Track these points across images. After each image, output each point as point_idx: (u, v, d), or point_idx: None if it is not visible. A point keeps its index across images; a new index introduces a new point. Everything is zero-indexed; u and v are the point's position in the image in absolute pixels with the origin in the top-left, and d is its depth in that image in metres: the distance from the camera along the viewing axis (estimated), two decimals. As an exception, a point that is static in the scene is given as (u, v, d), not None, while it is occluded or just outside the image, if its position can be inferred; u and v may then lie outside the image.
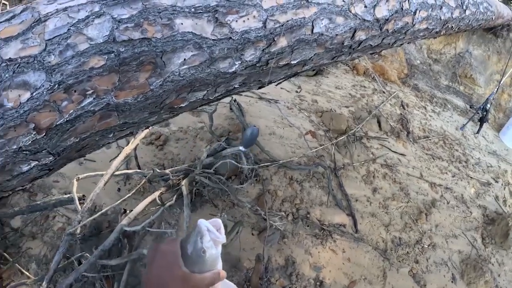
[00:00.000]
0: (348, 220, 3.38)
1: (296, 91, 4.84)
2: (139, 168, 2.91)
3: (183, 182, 2.56)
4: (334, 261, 3.03)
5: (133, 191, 2.62)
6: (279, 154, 3.69)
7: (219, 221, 0.91)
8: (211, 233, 0.87)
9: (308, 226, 3.19)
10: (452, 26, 2.65)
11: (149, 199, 2.43)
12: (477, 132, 5.30)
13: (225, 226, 2.03)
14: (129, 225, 2.24)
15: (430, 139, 5.04)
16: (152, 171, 2.61)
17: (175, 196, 2.58)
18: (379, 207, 3.64)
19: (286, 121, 4.18)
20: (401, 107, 5.47)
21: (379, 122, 4.79)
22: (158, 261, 0.86)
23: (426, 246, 3.49)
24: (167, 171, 2.66)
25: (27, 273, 2.37)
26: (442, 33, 2.69)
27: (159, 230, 2.62)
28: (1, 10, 4.26)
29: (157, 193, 2.48)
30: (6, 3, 4.59)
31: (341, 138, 4.13)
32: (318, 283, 2.86)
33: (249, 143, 2.06)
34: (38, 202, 2.59)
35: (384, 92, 5.62)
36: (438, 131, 5.34)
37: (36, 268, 2.55)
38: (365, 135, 4.42)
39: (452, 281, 3.32)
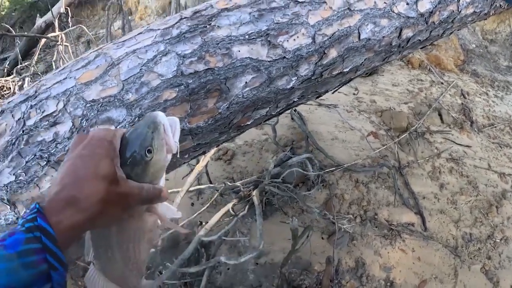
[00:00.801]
0: (417, 218, 3.35)
1: (354, 94, 4.83)
2: (211, 183, 3.06)
3: (254, 193, 2.67)
4: (404, 260, 3.01)
5: (207, 205, 2.76)
6: (343, 158, 3.71)
7: (177, 121, 0.71)
8: (166, 134, 0.68)
9: (376, 227, 3.19)
10: (501, 5, 2.56)
11: (223, 210, 2.56)
12: (544, 113, 5.02)
13: (295, 230, 2.12)
14: (206, 236, 2.39)
15: (495, 127, 4.83)
16: (223, 185, 2.75)
17: (247, 206, 2.70)
18: (448, 203, 3.56)
19: (347, 124, 4.19)
20: (462, 96, 5.28)
21: (440, 115, 4.68)
22: (85, 148, 0.62)
23: (498, 241, 3.36)
24: (237, 183, 2.79)
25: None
26: (491, 14, 2.59)
27: (234, 239, 2.75)
28: (61, 50, 4.61)
29: (230, 205, 2.62)
30: (68, 44, 4.97)
31: (403, 135, 4.07)
32: (388, 284, 2.85)
33: None
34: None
35: (442, 83, 5.46)
36: (503, 117, 5.09)
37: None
38: (427, 130, 4.34)
39: (526, 276, 3.18)
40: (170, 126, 0.69)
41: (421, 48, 2.69)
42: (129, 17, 6.46)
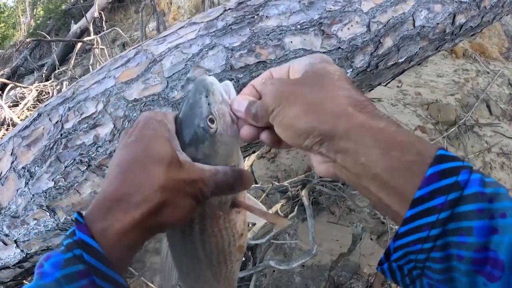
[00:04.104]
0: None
1: (397, 86, 4.64)
2: (256, 183, 2.99)
3: (303, 193, 2.59)
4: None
5: (255, 206, 2.68)
6: (391, 153, 3.56)
7: (230, 83, 0.56)
8: (223, 99, 0.53)
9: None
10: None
11: (271, 212, 2.48)
12: None
13: (358, 235, 2.01)
14: (254, 239, 2.31)
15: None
16: (271, 185, 2.68)
17: (296, 207, 2.61)
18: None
19: (393, 118, 4.02)
20: (509, 86, 5.00)
21: (488, 107, 4.44)
22: (131, 135, 0.48)
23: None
24: (285, 183, 2.71)
25: (152, 286, 2.53)
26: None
27: (283, 242, 2.67)
28: (97, 53, 4.64)
29: (278, 205, 2.55)
30: (104, 47, 5.00)
31: (452, 129, 3.88)
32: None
33: None
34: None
35: (488, 73, 5.19)
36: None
37: (160, 280, 2.72)
38: (476, 122, 4.12)
39: None
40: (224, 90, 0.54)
41: (471, 35, 2.56)
42: (163, 18, 6.47)
